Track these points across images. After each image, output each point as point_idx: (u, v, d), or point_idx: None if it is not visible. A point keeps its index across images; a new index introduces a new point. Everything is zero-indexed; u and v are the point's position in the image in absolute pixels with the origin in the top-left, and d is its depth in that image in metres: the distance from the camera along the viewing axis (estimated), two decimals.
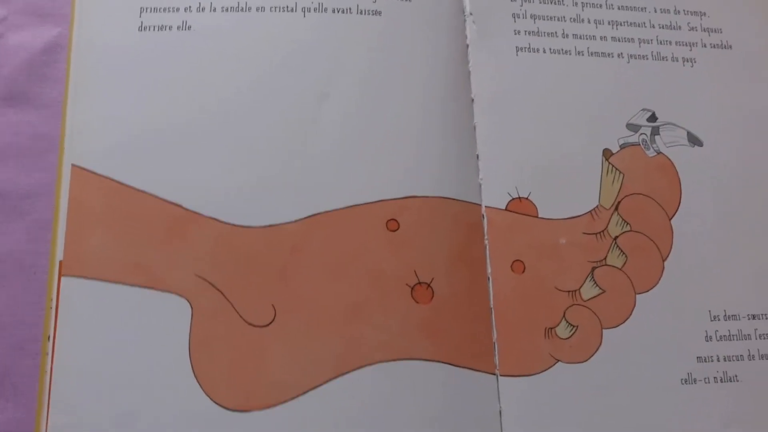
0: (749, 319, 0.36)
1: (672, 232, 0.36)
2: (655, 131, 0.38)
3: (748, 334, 0.36)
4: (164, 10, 0.35)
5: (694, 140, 0.39)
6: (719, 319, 0.36)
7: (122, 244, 0.31)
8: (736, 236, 0.37)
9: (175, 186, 0.32)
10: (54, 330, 0.30)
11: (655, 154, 0.38)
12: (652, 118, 0.39)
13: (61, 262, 0.31)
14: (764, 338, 0.36)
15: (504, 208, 0.35)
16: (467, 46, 0.38)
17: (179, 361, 0.30)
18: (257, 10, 0.35)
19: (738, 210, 0.38)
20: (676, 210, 0.37)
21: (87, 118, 0.33)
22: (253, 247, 0.32)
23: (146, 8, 0.35)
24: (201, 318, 0.31)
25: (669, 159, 0.38)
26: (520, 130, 0.37)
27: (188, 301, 0.31)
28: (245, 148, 0.33)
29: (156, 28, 0.35)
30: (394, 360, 0.31)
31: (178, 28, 0.35)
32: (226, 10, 0.35)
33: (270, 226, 0.33)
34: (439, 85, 0.36)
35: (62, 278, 0.31)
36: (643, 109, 0.39)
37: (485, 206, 0.35)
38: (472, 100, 0.37)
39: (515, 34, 0.39)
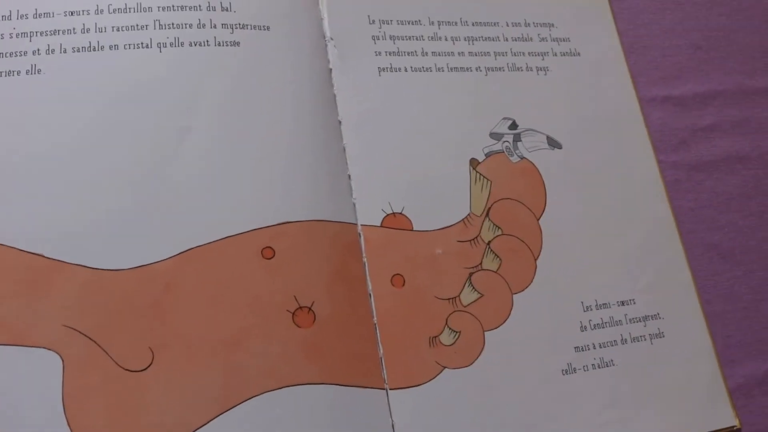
0: (618, 305, 0.38)
1: (541, 232, 0.38)
2: (517, 138, 0.40)
3: (619, 320, 0.38)
4: (11, 54, 0.34)
5: (553, 143, 0.41)
6: (591, 309, 0.37)
7: None
8: (599, 229, 0.39)
9: (34, 235, 0.31)
10: None
11: (519, 159, 0.40)
12: (513, 125, 0.41)
13: None
14: (634, 322, 0.38)
15: (379, 224, 0.36)
16: (330, 70, 0.38)
17: (54, 418, 0.29)
18: (110, 48, 0.35)
19: (598, 205, 0.40)
20: (543, 210, 0.39)
21: None
22: (124, 289, 0.31)
23: None
24: (73, 369, 0.30)
25: (532, 163, 0.40)
26: (389, 147, 0.38)
27: (58, 353, 0.30)
28: (106, 190, 0.32)
29: (3, 74, 0.34)
30: (279, 388, 0.31)
31: (27, 72, 0.34)
32: (78, 50, 0.35)
33: (140, 266, 0.32)
34: (305, 110, 0.37)
35: None
36: (504, 118, 0.41)
37: (361, 225, 0.36)
38: (340, 122, 0.37)
39: (376, 55, 0.40)
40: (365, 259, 0.35)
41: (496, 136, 0.40)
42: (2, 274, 0.30)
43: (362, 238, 0.35)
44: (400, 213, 0.36)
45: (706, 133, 0.45)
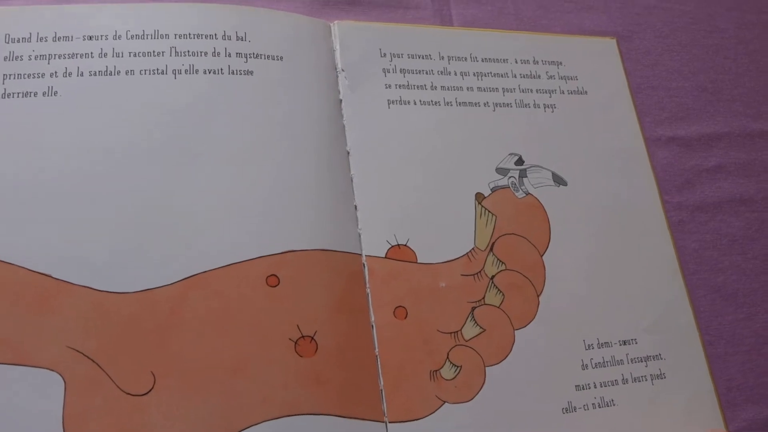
0: (620, 344, 0.38)
1: (544, 268, 0.39)
2: (523, 174, 0.41)
3: (621, 360, 0.38)
4: (29, 76, 0.35)
5: (558, 180, 0.41)
6: (593, 348, 0.37)
7: None
8: (603, 268, 0.40)
9: (43, 256, 0.31)
10: None
11: (524, 195, 0.40)
12: (519, 161, 0.41)
13: None
14: (635, 362, 0.38)
15: (384, 255, 0.36)
16: (340, 100, 0.39)
17: None
18: (126, 73, 0.35)
19: (602, 243, 0.40)
20: (547, 247, 0.39)
21: None
22: (129, 313, 0.31)
23: (9, 75, 0.34)
24: (75, 391, 0.30)
25: (537, 199, 0.40)
26: (396, 179, 0.38)
27: (60, 374, 0.30)
28: (115, 213, 0.33)
29: (20, 95, 0.34)
30: (280, 417, 0.31)
31: (43, 94, 0.34)
32: (94, 74, 0.35)
33: (146, 290, 0.32)
34: (315, 139, 0.37)
35: None
36: (511, 154, 0.41)
37: (365, 255, 0.36)
38: (348, 152, 0.38)
39: (386, 87, 0.40)
40: (368, 290, 0.35)
41: (502, 171, 0.40)
42: (9, 292, 0.31)
43: (366, 268, 0.36)
44: (405, 245, 0.37)
45: (711, 174, 0.46)
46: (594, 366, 0.37)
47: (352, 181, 0.37)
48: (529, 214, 0.40)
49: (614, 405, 0.36)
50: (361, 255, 0.36)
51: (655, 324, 0.39)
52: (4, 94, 0.34)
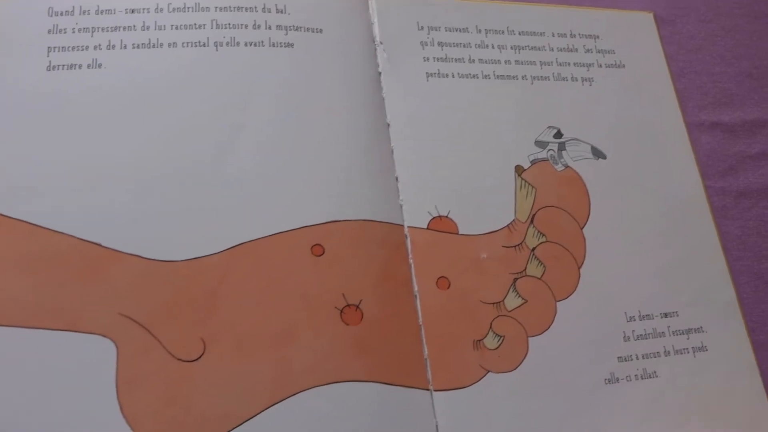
0: (661, 317, 0.38)
1: (584, 241, 0.38)
2: (562, 147, 0.41)
3: (662, 332, 0.38)
4: (73, 48, 0.35)
5: (597, 153, 0.41)
6: (635, 320, 0.37)
7: (40, 288, 0.30)
8: (642, 241, 0.39)
9: (93, 225, 0.32)
10: None
11: (564, 168, 0.40)
12: (558, 134, 0.41)
13: None
14: (677, 334, 0.38)
15: (426, 227, 0.36)
16: (379, 73, 0.39)
17: (107, 404, 0.29)
18: (169, 45, 0.36)
19: (642, 216, 0.40)
20: (587, 219, 0.39)
21: None
22: (178, 281, 0.32)
23: (54, 48, 0.35)
24: (127, 357, 0.30)
25: (576, 172, 0.40)
26: (436, 151, 0.38)
27: (113, 341, 0.30)
28: (162, 183, 0.33)
29: (65, 67, 0.34)
30: (327, 384, 0.31)
31: (88, 66, 0.35)
32: (137, 46, 0.35)
33: (194, 259, 0.32)
34: (355, 112, 0.37)
35: None
36: (549, 127, 0.41)
37: (407, 226, 0.36)
38: (388, 124, 0.38)
39: (424, 60, 0.40)
40: (411, 261, 0.35)
41: (541, 144, 0.40)
42: (61, 261, 0.31)
43: (409, 239, 0.36)
44: (446, 216, 0.37)
45: (755, 161, 0.45)
46: (636, 338, 0.37)
47: (392, 153, 0.37)
48: (568, 187, 0.40)
49: (657, 376, 0.36)
50: (403, 226, 0.36)
51: (695, 299, 0.39)
52: (49, 66, 0.34)
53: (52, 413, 0.29)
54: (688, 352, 0.38)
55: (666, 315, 0.38)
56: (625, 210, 0.40)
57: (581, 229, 0.39)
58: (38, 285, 0.30)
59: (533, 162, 0.40)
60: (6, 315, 0.30)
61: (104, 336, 0.30)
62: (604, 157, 0.41)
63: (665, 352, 0.37)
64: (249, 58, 0.36)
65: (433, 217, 0.36)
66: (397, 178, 0.37)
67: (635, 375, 0.36)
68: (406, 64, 0.40)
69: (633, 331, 0.37)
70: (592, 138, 0.41)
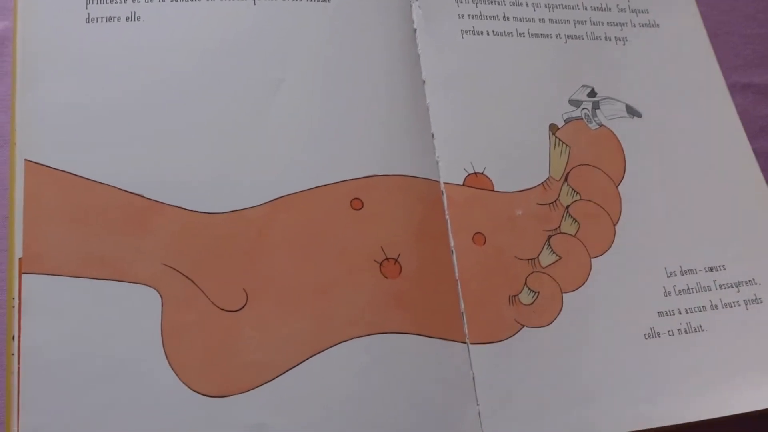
0: (706, 271, 0.38)
1: (620, 198, 0.38)
2: (596, 106, 0.40)
3: (708, 286, 0.37)
4: (112, 1, 0.35)
5: (632, 112, 0.41)
6: (676, 275, 0.37)
7: (84, 238, 0.31)
8: (683, 197, 0.39)
9: (135, 176, 0.32)
10: (18, 329, 0.29)
11: (598, 126, 0.40)
12: (592, 93, 0.41)
13: (20, 259, 0.30)
14: (725, 288, 0.38)
15: (461, 183, 0.36)
16: (414, 30, 0.39)
17: (152, 352, 0.30)
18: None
19: (682, 173, 0.40)
20: (622, 177, 0.39)
21: (37, 113, 0.32)
22: (219, 233, 0.32)
23: (92, 0, 0.35)
24: (172, 307, 0.30)
25: (611, 130, 0.40)
26: (471, 108, 0.38)
27: (157, 290, 0.31)
28: (203, 136, 0.33)
29: (104, 20, 0.34)
30: (368, 335, 0.32)
31: (126, 19, 0.35)
32: (176, 0, 0.35)
33: (235, 211, 0.32)
34: (391, 68, 0.37)
35: (23, 276, 0.30)
36: (583, 86, 0.41)
37: (444, 182, 0.36)
38: (424, 81, 0.38)
39: (459, 18, 0.40)
40: (448, 216, 0.35)
41: (575, 102, 0.40)
42: (105, 212, 0.31)
43: (445, 195, 0.36)
44: (482, 173, 0.37)
45: None
46: (677, 293, 0.37)
47: (428, 110, 0.37)
48: (602, 145, 0.40)
49: (703, 331, 0.36)
50: (439, 182, 0.36)
51: (744, 252, 0.38)
52: (88, 18, 0.34)
53: (100, 361, 0.29)
54: (739, 305, 0.37)
55: (711, 269, 0.38)
56: (662, 166, 0.40)
57: (616, 187, 0.39)
58: (84, 235, 0.31)
59: (567, 121, 0.39)
60: (54, 264, 0.30)
61: (149, 286, 0.31)
62: (639, 115, 0.41)
63: (712, 306, 0.37)
64: (286, 13, 0.36)
65: (469, 174, 0.37)
66: (433, 135, 0.37)
67: (678, 330, 0.36)
68: (441, 21, 0.40)
69: (674, 286, 0.37)
70: (627, 97, 0.41)
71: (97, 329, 0.30)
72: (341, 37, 0.37)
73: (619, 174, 0.39)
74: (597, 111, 0.40)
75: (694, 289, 0.37)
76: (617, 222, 0.38)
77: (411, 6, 0.39)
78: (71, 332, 0.29)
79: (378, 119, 0.36)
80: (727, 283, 0.38)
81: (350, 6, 0.37)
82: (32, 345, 0.29)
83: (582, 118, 0.40)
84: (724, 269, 0.38)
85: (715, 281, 0.38)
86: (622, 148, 0.40)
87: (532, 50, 0.41)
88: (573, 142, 0.39)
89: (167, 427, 0.29)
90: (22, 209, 0.31)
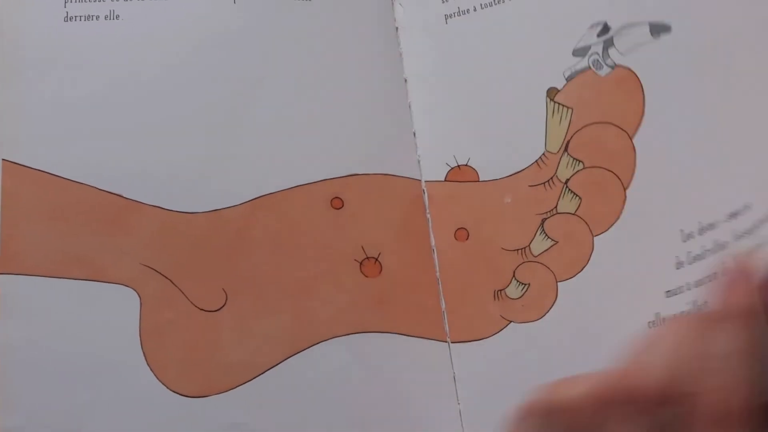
0: (727, 219, 0.31)
1: (635, 153, 0.34)
2: (608, 44, 0.35)
3: (726, 241, 0.31)
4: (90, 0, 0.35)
5: (658, 29, 0.35)
6: (693, 236, 0.32)
7: (62, 238, 0.31)
8: (716, 133, 0.32)
9: (114, 176, 0.32)
10: None
11: (611, 70, 0.35)
12: (605, 29, 0.35)
13: None
14: (743, 237, 0.31)
15: (443, 179, 0.36)
16: (396, 28, 0.38)
17: (131, 352, 0.30)
18: None
19: (713, 100, 0.33)
20: (640, 124, 0.34)
21: (15, 112, 0.32)
22: (199, 232, 0.32)
23: None
24: (150, 307, 0.31)
25: (628, 68, 0.35)
26: (456, 98, 0.36)
27: (135, 290, 0.31)
28: (182, 135, 0.33)
29: (82, 18, 0.34)
30: (348, 334, 0.32)
31: (105, 17, 0.34)
32: None
33: (214, 211, 0.32)
34: (372, 66, 0.36)
35: (0, 276, 0.30)
36: (592, 26, 0.36)
37: (425, 180, 0.35)
38: (405, 80, 0.37)
39: (443, 2, 0.38)
40: (429, 215, 0.35)
41: (580, 51, 0.35)
42: (83, 211, 0.31)
43: (426, 194, 0.35)
44: (466, 164, 0.36)
45: None
46: (691, 261, 0.32)
47: (410, 108, 0.37)
48: (616, 92, 0.35)
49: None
50: (420, 180, 0.36)
51: None
52: (67, 17, 0.34)
53: (78, 361, 0.29)
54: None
55: (734, 215, 0.31)
56: (690, 93, 0.33)
57: (631, 139, 0.34)
58: (61, 235, 0.31)
59: (570, 78, 0.35)
60: (31, 264, 0.30)
61: (127, 286, 0.31)
62: (667, 29, 0.34)
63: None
64: (266, 11, 0.36)
65: (452, 168, 0.36)
66: (414, 133, 0.36)
67: (683, 311, 0.32)
68: (424, 11, 0.38)
69: (689, 252, 0.32)
70: (650, 13, 0.34)
71: (75, 329, 0.30)
72: (322, 35, 0.36)
73: (636, 122, 0.34)
74: (609, 50, 0.35)
75: (709, 252, 0.32)
76: (629, 185, 0.34)
77: (393, 4, 0.38)
78: (49, 332, 0.30)
79: (359, 118, 0.35)
80: (744, 230, 0.31)
81: (332, 4, 0.37)
82: (10, 345, 0.29)
83: (590, 67, 0.35)
84: (750, 209, 0.31)
85: (733, 231, 0.31)
86: (641, 87, 0.34)
87: (525, 9, 0.36)
88: (577, 101, 0.35)
89: (146, 427, 0.29)
90: (0, 209, 0.31)
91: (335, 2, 0.37)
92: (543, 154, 0.35)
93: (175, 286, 0.31)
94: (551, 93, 0.35)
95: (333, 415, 0.31)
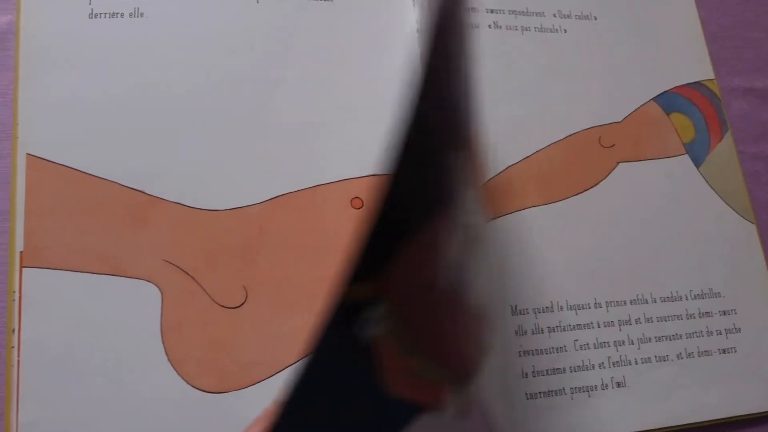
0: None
1: None
2: None
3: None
4: None
5: None
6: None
7: (85, 233, 0.31)
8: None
9: (137, 172, 0.32)
10: (18, 322, 0.29)
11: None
12: None
13: (21, 253, 0.30)
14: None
15: None
16: (417, 30, 0.39)
17: (152, 347, 0.30)
18: None
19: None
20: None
21: (39, 107, 0.32)
22: (220, 230, 0.32)
23: None
24: (172, 302, 0.31)
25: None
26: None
27: (157, 286, 0.31)
28: (205, 133, 0.33)
29: (107, 15, 0.34)
30: None
31: (130, 15, 0.35)
32: None
33: (235, 208, 0.33)
34: (392, 68, 0.37)
35: (24, 269, 0.30)
36: None
37: None
38: None
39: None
40: None
41: None
42: (106, 207, 0.31)
43: None
44: None
45: None
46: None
47: None
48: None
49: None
50: None
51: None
52: (92, 14, 0.34)
53: (100, 355, 0.29)
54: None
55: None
56: None
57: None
58: (84, 230, 0.31)
59: None
60: (54, 259, 0.30)
61: (149, 281, 0.31)
62: None
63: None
64: (289, 12, 0.36)
65: None
66: None
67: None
68: None
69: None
70: None
71: (97, 323, 0.30)
72: (343, 36, 0.37)
73: None
74: None
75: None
76: None
77: (413, 5, 0.39)
78: (71, 326, 0.30)
79: (379, 119, 0.35)
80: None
81: (353, 5, 0.38)
82: (32, 338, 0.29)
83: None
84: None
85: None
86: None
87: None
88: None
89: (165, 422, 0.29)
90: (24, 203, 0.31)
91: (357, 3, 0.37)
92: None
93: (197, 282, 0.31)
94: None
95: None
